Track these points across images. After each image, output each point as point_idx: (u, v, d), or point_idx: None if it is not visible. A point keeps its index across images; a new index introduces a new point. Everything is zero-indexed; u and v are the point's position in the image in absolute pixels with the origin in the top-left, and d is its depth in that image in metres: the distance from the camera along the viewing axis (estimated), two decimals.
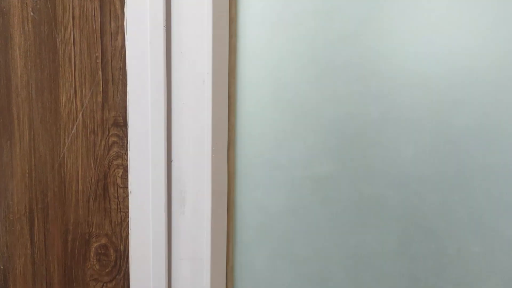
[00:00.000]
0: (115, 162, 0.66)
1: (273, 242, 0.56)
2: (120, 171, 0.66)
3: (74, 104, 0.68)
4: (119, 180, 0.67)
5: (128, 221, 0.66)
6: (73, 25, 0.66)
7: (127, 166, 0.66)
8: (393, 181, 0.51)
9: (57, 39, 0.67)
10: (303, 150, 0.53)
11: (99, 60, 0.66)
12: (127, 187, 0.66)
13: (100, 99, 0.66)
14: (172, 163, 0.62)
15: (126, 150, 0.66)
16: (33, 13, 0.67)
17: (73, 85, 0.67)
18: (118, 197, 0.67)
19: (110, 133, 0.66)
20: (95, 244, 0.69)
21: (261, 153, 0.55)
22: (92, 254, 0.69)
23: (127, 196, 0.66)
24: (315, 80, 0.53)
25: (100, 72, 0.66)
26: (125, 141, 0.65)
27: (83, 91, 0.67)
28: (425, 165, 0.50)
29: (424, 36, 0.52)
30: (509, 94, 0.51)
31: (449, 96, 0.52)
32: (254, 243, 0.58)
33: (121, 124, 0.65)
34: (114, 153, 0.66)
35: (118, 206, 0.67)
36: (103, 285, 0.69)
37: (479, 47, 0.51)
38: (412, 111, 0.51)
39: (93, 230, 0.69)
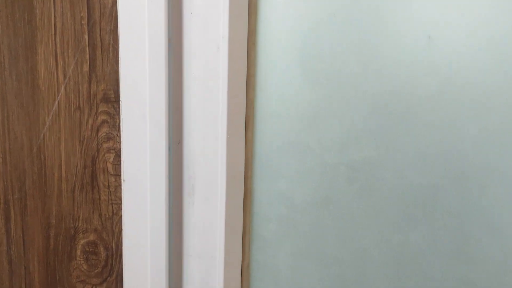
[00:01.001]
0: (105, 145, 0.55)
1: (298, 239, 0.46)
2: (112, 156, 0.55)
3: (55, 75, 0.56)
4: (110, 166, 0.56)
5: (121, 215, 0.55)
6: None
7: (119, 149, 0.54)
8: (450, 170, 0.41)
9: None
10: (338, 132, 0.43)
11: (84, 21, 0.54)
12: (120, 175, 0.55)
13: (86, 69, 0.55)
14: (179, 145, 0.51)
15: (119, 130, 0.54)
16: None
17: (54, 52, 0.55)
18: (109, 186, 0.56)
19: (99, 110, 0.55)
20: (82, 241, 0.58)
21: (285, 134, 0.44)
22: (78, 252, 0.59)
23: (120, 185, 0.55)
24: (355, 47, 0.42)
25: (86, 36, 0.54)
26: (117, 120, 0.54)
27: (66, 59, 0.55)
28: (492, 152, 0.40)
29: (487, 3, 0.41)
30: None
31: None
32: (275, 239, 0.47)
33: (112, 100, 0.54)
34: (104, 134, 0.55)
35: (109, 197, 0.56)
36: None
37: None
38: (477, 84, 0.40)
39: (80, 224, 0.58)
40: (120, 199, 0.56)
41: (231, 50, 0.48)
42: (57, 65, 0.56)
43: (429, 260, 0.43)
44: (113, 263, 0.58)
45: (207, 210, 0.51)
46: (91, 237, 0.58)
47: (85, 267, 0.59)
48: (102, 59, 0.54)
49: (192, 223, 0.53)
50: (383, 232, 0.44)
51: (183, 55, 0.51)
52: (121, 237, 0.56)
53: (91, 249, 0.59)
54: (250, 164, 0.48)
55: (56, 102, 0.57)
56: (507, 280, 0.43)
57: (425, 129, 0.41)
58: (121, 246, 0.57)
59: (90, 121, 0.56)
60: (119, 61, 0.53)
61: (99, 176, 0.57)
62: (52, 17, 0.55)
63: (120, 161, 0.55)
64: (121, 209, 0.56)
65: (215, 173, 0.49)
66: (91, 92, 0.55)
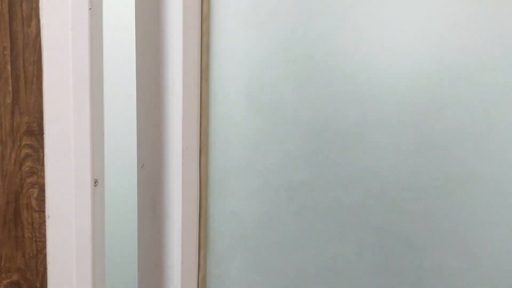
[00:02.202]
0: (28, 180, 0.52)
1: (248, 253, 0.48)
2: (36, 191, 0.52)
3: None
4: (34, 202, 0.52)
5: (46, 253, 0.52)
6: None
7: (43, 184, 0.52)
8: (373, 189, 0.45)
9: None
10: (279, 155, 0.45)
11: (7, 52, 0.51)
12: (44, 211, 0.52)
13: (9, 100, 0.52)
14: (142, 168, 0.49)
15: (43, 165, 0.52)
16: None
17: None
18: (33, 223, 0.53)
19: (22, 144, 0.52)
20: (4, 281, 0.54)
21: (236, 158, 0.48)
22: None
23: (44, 222, 0.52)
24: (292, 81, 0.45)
25: (8, 67, 0.51)
26: (41, 154, 0.52)
27: None
28: (407, 172, 0.44)
29: (407, 38, 0.48)
30: (495, 96, 0.46)
31: (433, 98, 0.46)
32: (228, 253, 0.48)
33: (36, 132, 0.51)
34: (28, 168, 0.52)
35: (33, 234, 0.53)
36: None
37: (464, 50, 0.46)
38: (394, 114, 0.45)
39: (2, 264, 0.54)
40: (45, 236, 0.52)
41: (185, 85, 0.48)
42: None
43: (358, 272, 0.44)
44: None
45: (164, 226, 0.49)
46: (15, 277, 0.54)
47: None
48: (25, 91, 0.52)
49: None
50: (318, 246, 0.45)
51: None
52: (46, 276, 0.53)
53: None
54: (205, 185, 0.47)
55: None
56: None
57: (351, 153, 0.43)
58: (46, 286, 0.53)
59: (13, 155, 0.53)
60: (43, 93, 0.51)
61: (23, 212, 0.53)
62: None
63: (44, 196, 0.52)
64: (45, 247, 0.52)
65: (172, 194, 0.48)
66: (14, 125, 0.52)
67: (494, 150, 0.45)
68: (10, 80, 0.52)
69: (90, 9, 0.49)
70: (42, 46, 0.51)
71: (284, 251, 0.47)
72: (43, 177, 0.52)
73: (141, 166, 0.55)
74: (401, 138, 0.44)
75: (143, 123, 0.54)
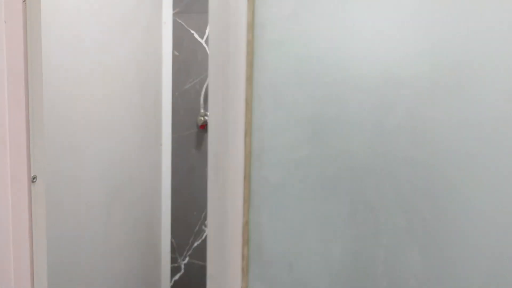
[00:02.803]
0: None
1: (272, 206, 0.68)
2: None
3: None
4: None
5: None
6: None
7: None
8: (345, 166, 0.62)
9: None
10: (290, 139, 0.65)
11: None
12: None
13: None
14: None
15: None
16: None
17: None
18: None
19: None
20: None
21: (266, 140, 0.66)
22: None
23: None
24: (298, 89, 0.63)
25: None
26: None
27: None
28: (365, 157, 0.61)
29: (364, 43, 0.59)
30: (435, 97, 0.57)
31: (382, 100, 0.59)
32: (261, 206, 0.68)
33: None
34: None
35: None
36: None
37: (411, 55, 0.58)
38: (356, 112, 0.61)
39: None
40: None
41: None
42: None
43: (336, 222, 0.63)
44: None
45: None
46: None
47: None
48: None
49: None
50: (315, 203, 0.64)
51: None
52: None
53: None
54: (249, 159, 0.66)
55: None
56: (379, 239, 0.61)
57: (331, 140, 0.61)
58: None
59: None
60: None
61: None
62: None
63: None
64: None
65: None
66: None
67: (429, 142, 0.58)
68: None
69: (24, 1, 0.47)
70: None
71: (295, 206, 0.67)
72: None
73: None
74: (360, 132, 0.60)
75: None
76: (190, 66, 1.52)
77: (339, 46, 0.61)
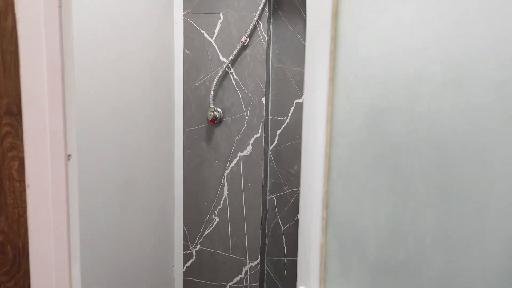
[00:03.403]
0: (9, 154, 0.60)
1: (343, 178, 0.80)
2: (16, 164, 0.61)
3: None
4: (15, 173, 0.61)
5: (27, 217, 0.60)
6: None
7: (23, 158, 0.60)
8: (389, 147, 0.76)
9: None
10: (355, 126, 0.79)
11: None
12: (24, 181, 0.60)
13: None
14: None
15: (22, 140, 0.60)
16: None
17: None
18: (14, 191, 0.61)
19: (3, 122, 0.60)
20: None
21: (340, 127, 0.80)
22: None
23: (25, 190, 0.60)
24: (361, 87, 0.76)
25: None
26: (20, 131, 0.60)
27: None
28: (402, 140, 0.76)
29: None
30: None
31: (417, 95, 0.72)
32: (335, 178, 0.82)
33: (15, 113, 0.59)
34: (8, 144, 0.60)
35: (15, 201, 0.61)
36: (0, 286, 0.63)
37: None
38: (399, 106, 0.75)
39: None
40: (25, 203, 0.61)
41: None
42: None
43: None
44: (21, 260, 0.63)
45: None
46: None
47: None
48: (4, 77, 0.59)
49: None
50: (373, 176, 0.78)
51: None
52: (27, 237, 0.62)
53: None
54: (329, 141, 0.82)
55: None
56: None
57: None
58: (28, 245, 0.62)
59: None
60: (20, 79, 0.58)
61: (5, 182, 0.62)
62: None
63: (24, 168, 0.60)
64: (26, 211, 0.61)
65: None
66: None
67: None
68: None
69: (60, 6, 0.56)
70: (18, 37, 0.58)
71: (357, 178, 0.80)
72: (22, 151, 0.60)
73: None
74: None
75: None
76: (200, 64, 1.61)
77: (394, 48, 0.74)
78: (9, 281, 0.64)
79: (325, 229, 0.91)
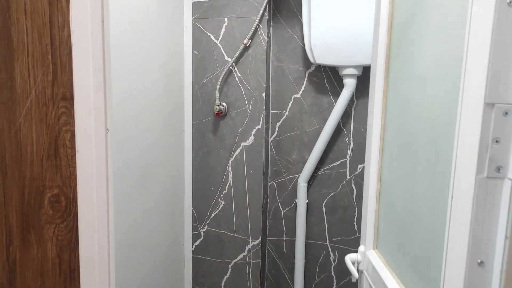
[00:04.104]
0: (64, 128, 0.85)
1: (387, 157, 1.01)
2: (69, 135, 0.85)
3: (28, 82, 0.85)
4: (67, 143, 0.85)
5: (76, 174, 0.84)
6: (25, 17, 0.83)
7: (74, 131, 0.84)
8: (416, 130, 0.92)
9: (11, 29, 0.83)
10: (396, 114, 1.00)
11: (48, 47, 0.83)
12: (75, 148, 0.84)
13: (50, 78, 0.84)
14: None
15: (73, 118, 0.84)
16: None
17: (27, 67, 0.84)
18: (67, 155, 0.85)
19: (60, 105, 0.84)
20: (48, 194, 0.87)
21: (388, 115, 1.03)
22: (46, 202, 0.87)
23: (75, 154, 0.84)
24: (396, 84, 0.97)
25: (49, 57, 0.83)
26: (72, 112, 0.84)
27: (36, 71, 0.84)
28: (421, 126, 0.87)
29: None
30: None
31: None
32: (384, 157, 1.05)
33: (69, 98, 0.84)
34: (63, 121, 0.84)
35: (68, 163, 0.86)
36: (56, 226, 0.87)
37: None
38: (420, 100, 0.86)
39: (47, 183, 0.87)
40: (75, 164, 0.85)
41: None
42: (29, 75, 0.85)
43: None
44: (71, 207, 0.87)
45: None
46: (55, 191, 0.87)
47: (51, 212, 0.88)
48: (61, 72, 0.84)
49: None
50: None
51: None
52: (76, 189, 0.86)
53: (55, 199, 0.88)
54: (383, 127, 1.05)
55: (29, 100, 0.85)
56: None
57: None
58: (76, 195, 0.86)
59: (53, 113, 0.85)
60: (73, 74, 0.83)
61: (60, 149, 0.86)
62: (25, 44, 0.84)
63: (74, 138, 0.85)
64: (76, 170, 0.85)
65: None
66: (54, 94, 0.85)
67: None
68: (51, 65, 0.84)
69: (102, 22, 0.81)
70: (71, 44, 0.83)
71: (395, 157, 0.98)
72: (73, 126, 0.85)
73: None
74: None
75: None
76: (207, 63, 1.85)
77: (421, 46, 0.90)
78: (62, 222, 0.88)
79: (378, 198, 1.19)
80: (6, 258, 0.89)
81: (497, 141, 0.72)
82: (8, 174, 0.88)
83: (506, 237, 0.71)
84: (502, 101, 0.73)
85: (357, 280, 1.37)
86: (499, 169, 0.73)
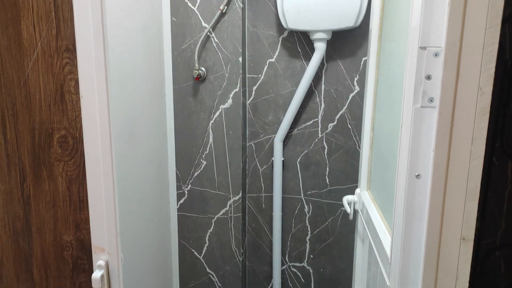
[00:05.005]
0: (68, 77, 1.00)
1: (378, 107, 1.03)
2: (73, 83, 1.01)
3: (34, 37, 0.99)
4: (72, 89, 1.01)
5: (81, 117, 1.01)
6: None
7: (77, 79, 1.00)
8: None
9: None
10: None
11: (52, 4, 0.98)
12: (79, 94, 1.00)
13: (54, 32, 0.99)
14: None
15: (77, 68, 1.00)
16: None
17: (33, 23, 0.99)
18: (72, 101, 1.01)
19: (64, 56, 1.00)
20: (57, 135, 1.03)
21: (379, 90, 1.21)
22: (55, 142, 1.03)
23: (79, 99, 1.00)
24: None
25: (53, 13, 0.98)
26: (75, 62, 0.99)
27: (41, 27, 0.99)
28: None
29: None
30: None
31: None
32: (377, 110, 1.02)
33: (72, 50, 0.99)
34: (67, 70, 1.00)
35: (73, 107, 1.02)
36: (65, 163, 1.04)
37: None
38: None
39: (55, 125, 1.03)
40: (80, 108, 1.01)
41: None
42: (34, 30, 0.99)
43: None
44: (78, 146, 1.04)
45: None
46: (63, 132, 1.03)
47: (59, 151, 1.04)
48: (64, 27, 0.99)
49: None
50: None
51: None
52: (82, 130, 1.02)
53: (63, 140, 1.04)
54: (376, 84, 1.03)
55: (35, 53, 1.00)
56: None
57: None
58: (82, 135, 1.03)
59: (58, 63, 1.00)
60: (75, 28, 0.98)
61: (66, 95, 1.02)
62: (30, 2, 0.98)
63: (78, 85, 1.00)
64: (80, 113, 1.01)
65: None
66: (58, 46, 1.00)
67: None
68: (54, 21, 0.99)
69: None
70: (72, 2, 0.97)
71: (382, 107, 1.18)
72: (77, 74, 1.00)
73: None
74: None
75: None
76: (185, 29, 2.00)
77: None
78: (70, 159, 1.04)
79: (371, 145, 1.38)
80: (21, 193, 1.05)
81: (429, 78, 0.93)
82: (19, 119, 1.03)
83: (432, 150, 0.92)
84: (433, 44, 0.93)
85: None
86: (431, 100, 0.94)
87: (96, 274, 1.01)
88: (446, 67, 0.86)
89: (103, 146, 1.02)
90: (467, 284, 0.92)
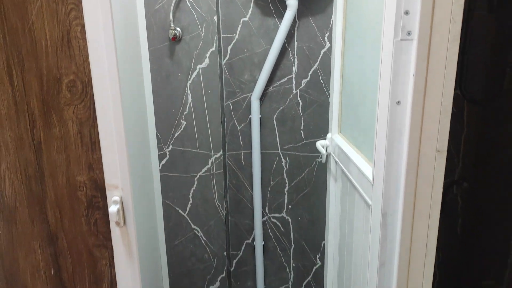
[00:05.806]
0: (74, 22, 1.07)
1: (347, 55, 1.14)
2: (79, 28, 1.07)
3: None
4: (79, 34, 1.08)
5: (89, 61, 1.08)
6: None
7: (83, 24, 1.07)
8: None
9: None
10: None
11: None
12: (85, 39, 1.07)
13: None
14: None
15: (82, 13, 1.06)
16: None
17: None
18: (79, 46, 1.08)
19: (69, 2, 1.06)
20: (65, 80, 1.10)
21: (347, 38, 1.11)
22: (64, 87, 1.10)
23: (86, 44, 1.07)
24: None
25: None
26: (81, 7, 1.06)
27: None
28: None
29: None
30: None
31: None
32: (346, 59, 1.13)
33: None
34: (73, 16, 1.07)
35: (80, 52, 1.09)
36: (75, 107, 1.11)
37: None
38: None
39: (63, 71, 1.09)
40: (87, 52, 1.08)
41: None
42: None
43: None
44: (87, 90, 1.11)
45: None
46: (71, 77, 1.10)
47: (69, 95, 1.11)
48: None
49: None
50: None
51: None
52: (90, 74, 1.09)
53: (72, 84, 1.10)
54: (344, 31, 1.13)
55: (39, 0, 1.05)
56: None
57: None
58: (91, 79, 1.10)
59: (63, 9, 1.06)
60: None
61: (73, 40, 1.08)
62: None
63: (85, 30, 1.07)
64: (88, 57, 1.08)
65: None
66: None
67: None
68: None
69: None
70: None
71: (352, 55, 1.32)
72: (83, 20, 1.06)
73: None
74: None
75: None
76: None
77: None
78: (80, 103, 1.11)
79: (341, 91, 1.53)
80: (31, 139, 1.11)
81: (407, 13, 1.09)
82: (26, 66, 1.08)
83: (412, 75, 1.09)
84: None
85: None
86: (409, 33, 1.11)
87: (113, 209, 1.11)
88: (423, 1, 1.02)
89: (112, 88, 1.09)
90: (441, 190, 1.12)
